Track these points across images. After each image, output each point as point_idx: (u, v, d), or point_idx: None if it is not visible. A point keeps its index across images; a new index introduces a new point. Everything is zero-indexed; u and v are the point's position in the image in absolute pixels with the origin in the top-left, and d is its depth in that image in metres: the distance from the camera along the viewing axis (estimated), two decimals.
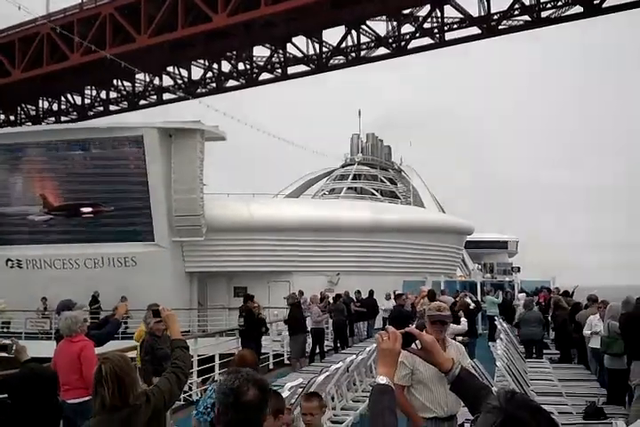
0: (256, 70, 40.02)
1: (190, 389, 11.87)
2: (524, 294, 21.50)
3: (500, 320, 16.09)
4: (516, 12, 31.98)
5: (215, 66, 40.83)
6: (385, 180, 41.17)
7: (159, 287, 22.76)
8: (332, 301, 18.42)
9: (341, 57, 37.64)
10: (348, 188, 38.70)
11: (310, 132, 54.65)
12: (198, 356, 12.81)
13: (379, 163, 42.43)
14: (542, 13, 31.66)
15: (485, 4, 31.95)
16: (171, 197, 25.47)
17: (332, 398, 9.39)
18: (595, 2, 30.16)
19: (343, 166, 41.58)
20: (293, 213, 28.32)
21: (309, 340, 15.74)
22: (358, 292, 19.88)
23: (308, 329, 15.36)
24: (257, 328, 13.13)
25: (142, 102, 44.42)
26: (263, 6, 30.96)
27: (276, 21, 33.33)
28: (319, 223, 28.01)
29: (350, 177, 39.59)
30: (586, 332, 10.33)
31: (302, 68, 38.42)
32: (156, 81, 42.80)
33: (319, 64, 37.73)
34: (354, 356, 10.34)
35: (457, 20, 33.50)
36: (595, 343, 10.15)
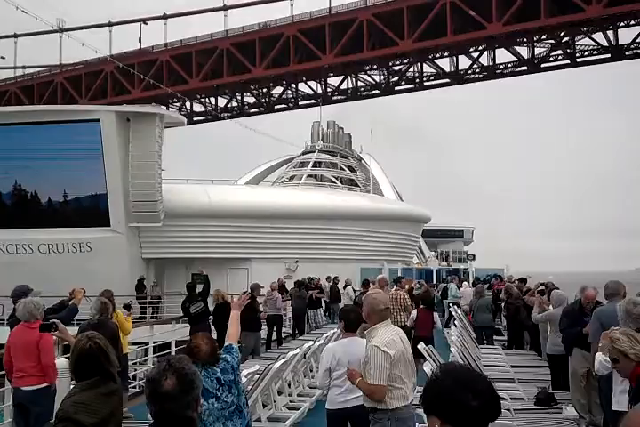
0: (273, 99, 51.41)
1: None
2: (466, 283, 21.94)
3: (455, 307, 16.37)
4: (477, 70, 44.21)
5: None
6: (345, 168, 41.26)
7: (115, 273, 22.49)
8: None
9: (342, 96, 49.14)
10: (308, 175, 38.68)
11: (271, 118, 55.17)
12: (154, 343, 12.74)
13: (339, 151, 42.46)
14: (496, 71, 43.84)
15: (455, 62, 44.23)
16: (128, 183, 25.08)
17: (289, 385, 9.46)
18: (535, 62, 41.63)
19: (303, 154, 41.52)
20: (252, 200, 28.24)
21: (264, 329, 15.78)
22: (311, 279, 20.04)
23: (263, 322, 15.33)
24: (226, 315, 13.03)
25: None
26: (292, 64, 43.22)
27: (297, 73, 45.31)
28: (278, 210, 27.99)
29: (310, 164, 39.57)
30: (535, 315, 10.49)
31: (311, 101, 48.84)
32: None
33: (324, 99, 47.35)
34: (311, 342, 10.41)
35: (433, 73, 45.23)
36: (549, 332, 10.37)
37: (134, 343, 12.58)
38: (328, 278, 21.47)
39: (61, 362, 7.52)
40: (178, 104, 52.09)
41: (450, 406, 1.90)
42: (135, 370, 12.39)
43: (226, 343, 4.68)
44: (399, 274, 21.59)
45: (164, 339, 13.44)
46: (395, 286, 14.55)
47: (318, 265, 26.11)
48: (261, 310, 13.38)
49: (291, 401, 9.14)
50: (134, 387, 10.57)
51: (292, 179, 39.01)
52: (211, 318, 12.21)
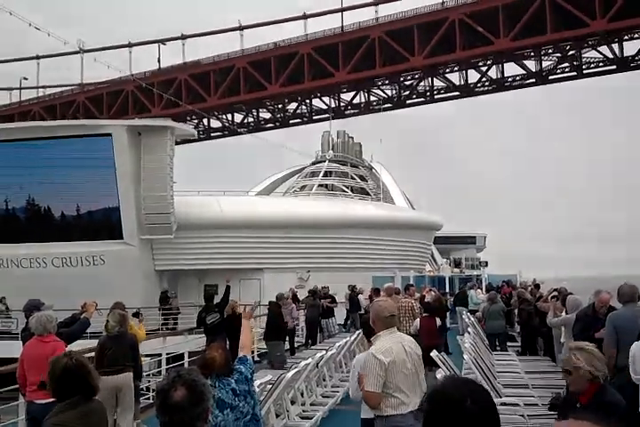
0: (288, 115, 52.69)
1: None
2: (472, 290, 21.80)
3: (468, 314, 16.29)
4: (486, 83, 45.17)
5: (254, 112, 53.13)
6: (355, 177, 41.23)
7: (128, 286, 22.57)
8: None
9: (355, 110, 50.31)
10: (319, 185, 38.69)
11: (286, 132, 56.37)
12: (167, 354, 12.77)
13: (349, 160, 42.45)
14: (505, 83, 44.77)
15: (464, 75, 45.43)
16: (140, 195, 25.28)
17: (302, 394, 9.45)
18: (542, 74, 42.66)
19: (314, 163, 41.56)
20: (264, 211, 28.30)
21: None
22: (326, 288, 19.99)
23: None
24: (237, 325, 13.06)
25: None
26: (306, 82, 44.49)
27: (311, 90, 47.07)
28: (289, 220, 28.03)
29: (321, 174, 39.57)
30: (550, 319, 10.42)
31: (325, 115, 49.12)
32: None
33: (337, 113, 48.67)
34: (324, 352, 10.40)
35: (444, 86, 46.38)
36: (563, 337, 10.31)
37: (147, 355, 12.62)
38: (349, 287, 21.36)
39: None
40: (195, 121, 53.33)
41: (448, 410, 1.83)
42: (149, 382, 12.41)
43: (240, 355, 4.70)
44: (411, 282, 21.48)
45: (177, 350, 13.46)
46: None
47: (330, 274, 26.07)
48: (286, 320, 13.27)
49: (304, 411, 9.12)
50: (147, 398, 10.58)
51: (303, 189, 39.06)
52: None
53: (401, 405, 4.56)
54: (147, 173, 25.24)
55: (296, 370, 8.55)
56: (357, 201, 35.76)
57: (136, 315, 11.00)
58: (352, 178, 40.74)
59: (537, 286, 16.44)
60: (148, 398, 10.76)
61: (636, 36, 38.48)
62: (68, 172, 25.02)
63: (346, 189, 38.67)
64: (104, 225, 25.76)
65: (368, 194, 39.47)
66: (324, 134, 43.60)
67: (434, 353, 8.51)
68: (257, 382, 6.90)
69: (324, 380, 10.82)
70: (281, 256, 27.62)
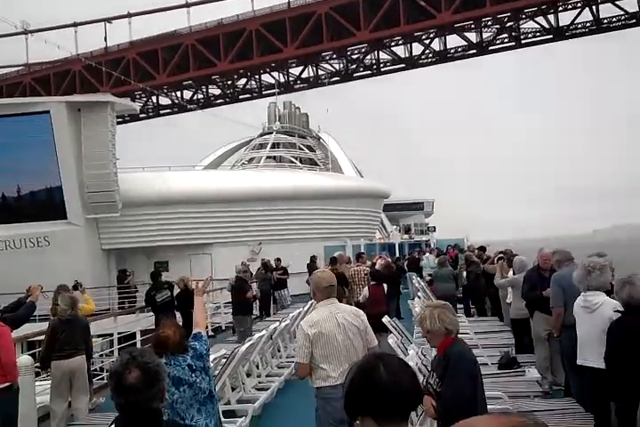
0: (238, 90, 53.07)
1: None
2: (428, 254, 22.14)
3: (418, 279, 16.56)
4: (430, 55, 46.29)
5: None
6: (303, 147, 41.07)
7: (75, 267, 22.07)
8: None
9: (304, 84, 50.50)
10: (267, 157, 38.41)
11: (232, 104, 55.99)
12: (119, 334, 12.62)
13: (297, 131, 42.23)
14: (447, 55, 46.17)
15: (409, 48, 46.57)
16: (82, 174, 24.64)
17: (257, 366, 9.49)
18: (483, 45, 43.72)
19: (261, 135, 41.17)
20: (211, 185, 27.97)
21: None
22: (278, 259, 19.95)
23: None
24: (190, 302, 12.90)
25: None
26: (255, 58, 45.04)
27: (260, 65, 47.54)
28: (237, 193, 27.80)
29: (269, 146, 39.28)
30: (498, 280, 10.64)
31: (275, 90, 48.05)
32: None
33: (286, 87, 49.35)
34: (277, 323, 10.43)
35: (389, 59, 47.23)
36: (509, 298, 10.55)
37: (99, 335, 12.45)
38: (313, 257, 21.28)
39: (23, 360, 7.41)
40: (144, 99, 53.31)
41: (361, 379, 1.89)
42: (102, 362, 12.27)
43: (194, 331, 4.66)
44: (362, 250, 21.68)
45: (129, 329, 13.31)
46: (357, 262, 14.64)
47: (282, 246, 26.09)
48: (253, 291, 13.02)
49: (260, 382, 9.17)
50: (102, 379, 10.47)
51: (251, 161, 38.72)
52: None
53: (329, 377, 4.57)
54: (88, 151, 24.59)
55: (250, 343, 8.56)
56: (306, 172, 35.70)
57: (75, 287, 10.82)
58: (300, 149, 40.58)
59: (483, 249, 16.77)
60: (102, 379, 10.65)
61: (570, 7, 40.38)
62: (6, 152, 24.13)
63: (294, 160, 38.53)
64: (47, 205, 25.05)
65: (317, 164, 39.43)
66: (270, 106, 43.18)
67: (385, 319, 8.64)
68: (211, 357, 6.92)
69: (279, 351, 10.89)
70: (231, 230, 27.45)
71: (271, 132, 40.32)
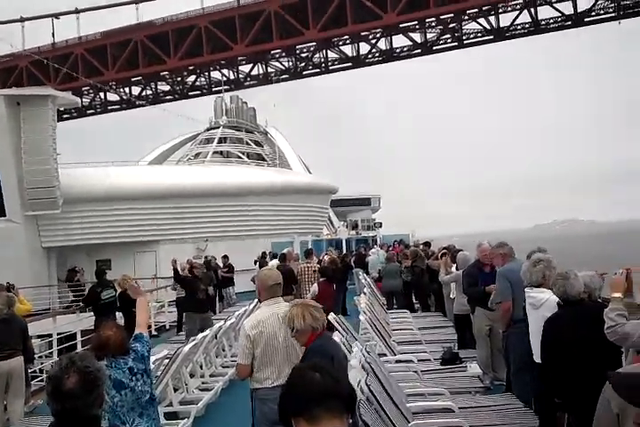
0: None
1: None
2: (376, 249, 22.29)
3: (364, 275, 16.64)
4: (377, 54, 47.43)
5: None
6: (251, 142, 40.79)
7: (14, 265, 21.43)
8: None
9: (254, 81, 50.30)
10: (214, 152, 37.98)
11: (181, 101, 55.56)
12: (58, 334, 12.27)
13: (244, 125, 41.89)
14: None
15: (357, 47, 47.34)
16: (22, 169, 23.92)
17: (201, 366, 9.37)
18: (427, 45, 45.17)
19: (208, 130, 40.68)
20: (155, 180, 27.49)
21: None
22: (225, 257, 19.72)
23: None
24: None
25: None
26: (205, 55, 45.06)
27: (209, 62, 47.42)
28: (183, 189, 27.43)
29: (215, 141, 38.82)
30: (442, 276, 10.77)
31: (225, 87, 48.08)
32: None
33: (236, 84, 49.56)
34: (222, 322, 10.32)
35: (337, 58, 48.30)
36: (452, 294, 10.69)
37: (38, 336, 12.09)
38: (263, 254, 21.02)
39: None
40: (92, 95, 52.59)
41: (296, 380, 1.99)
42: (42, 364, 11.92)
43: (136, 332, 4.56)
44: (309, 246, 21.66)
45: (70, 330, 12.96)
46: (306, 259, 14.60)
47: (230, 243, 25.90)
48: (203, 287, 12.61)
49: (203, 382, 9.06)
50: (41, 381, 10.15)
51: (198, 156, 38.25)
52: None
53: (267, 378, 4.54)
54: (28, 146, 23.94)
55: (194, 343, 8.44)
56: (254, 167, 35.47)
57: (8, 289, 10.49)
58: (247, 144, 40.30)
59: (427, 244, 16.98)
60: (42, 381, 10.33)
61: (510, 9, 42.20)
62: None
63: (242, 156, 38.23)
64: None
65: (264, 160, 39.22)
66: (216, 100, 42.69)
67: (330, 316, 8.63)
68: (152, 359, 6.77)
69: (224, 350, 10.77)
70: (176, 227, 27.05)
71: (218, 127, 39.87)
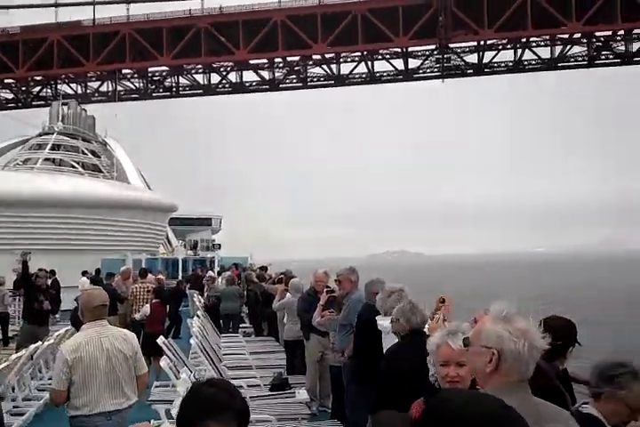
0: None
1: None
2: (211, 273, 22.12)
3: (199, 297, 16.35)
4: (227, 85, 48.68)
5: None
6: (87, 152, 38.88)
7: None
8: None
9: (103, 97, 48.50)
10: (46, 159, 35.73)
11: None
12: None
13: (81, 133, 39.86)
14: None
15: (208, 77, 48.04)
16: None
17: (13, 389, 8.64)
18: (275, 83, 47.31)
19: (40, 135, 38.24)
20: None
21: None
22: (52, 272, 18.40)
23: None
24: None
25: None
26: (55, 68, 43.83)
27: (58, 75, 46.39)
28: (7, 196, 25.45)
29: (48, 147, 36.58)
30: (275, 303, 10.86)
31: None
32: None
33: (84, 98, 46.71)
34: (39, 342, 9.60)
35: (189, 84, 48.92)
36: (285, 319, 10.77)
37: None
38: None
39: None
40: None
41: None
42: None
43: None
44: (143, 265, 20.95)
45: None
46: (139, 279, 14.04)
47: (55, 257, 24.24)
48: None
49: (15, 407, 8.36)
50: None
51: (27, 162, 35.76)
52: None
53: (85, 406, 4.29)
54: None
55: (5, 364, 7.78)
56: (87, 178, 33.79)
57: None
58: (83, 153, 38.34)
59: (264, 269, 17.07)
60: None
61: (350, 60, 46.06)
62: None
63: (76, 165, 36.28)
64: None
65: (101, 171, 37.55)
66: (53, 104, 40.36)
67: (160, 340, 8.33)
68: None
69: (40, 372, 10.03)
70: None
71: (52, 133, 37.59)
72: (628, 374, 2.78)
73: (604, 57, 44.27)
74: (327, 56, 45.04)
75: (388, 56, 45.24)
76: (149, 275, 14.68)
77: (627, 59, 43.26)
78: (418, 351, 3.64)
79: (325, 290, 7.53)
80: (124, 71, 47.49)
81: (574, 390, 3.89)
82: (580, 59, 44.21)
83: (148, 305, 11.31)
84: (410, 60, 44.87)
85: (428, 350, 3.12)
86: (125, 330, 4.91)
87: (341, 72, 46.63)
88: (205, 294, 16.87)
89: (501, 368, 2.04)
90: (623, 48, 42.99)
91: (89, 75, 47.42)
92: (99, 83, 49.49)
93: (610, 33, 42.02)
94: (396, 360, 4.28)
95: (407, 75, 46.18)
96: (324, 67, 46.29)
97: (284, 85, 49.12)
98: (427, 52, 44.68)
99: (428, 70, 46.16)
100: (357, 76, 47.23)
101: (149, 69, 47.46)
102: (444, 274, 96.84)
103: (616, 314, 35.99)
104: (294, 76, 48.08)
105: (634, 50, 42.74)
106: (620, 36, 42.43)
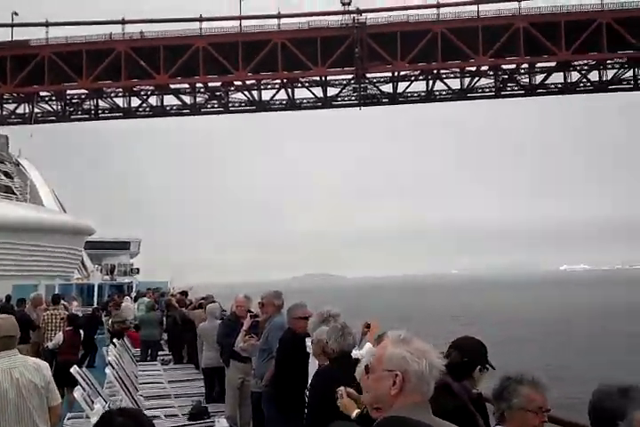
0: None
1: None
2: (128, 298, 21.52)
3: (114, 325, 15.82)
4: (147, 108, 49.34)
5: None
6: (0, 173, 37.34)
7: None
8: None
9: (19, 119, 47.36)
10: None
11: None
12: None
13: None
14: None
15: (128, 100, 48.46)
16: None
17: None
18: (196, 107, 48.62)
19: None
20: None
21: None
22: None
23: None
24: None
25: None
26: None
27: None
28: None
29: None
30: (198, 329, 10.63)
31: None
32: None
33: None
34: None
35: (109, 107, 49.20)
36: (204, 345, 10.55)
37: None
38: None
39: None
40: None
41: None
42: None
43: None
44: (56, 291, 20.11)
45: None
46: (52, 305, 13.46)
47: None
48: None
49: None
50: None
51: None
52: None
53: None
54: None
55: None
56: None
57: None
58: None
59: (184, 294, 16.73)
60: None
61: (270, 87, 47.21)
62: None
63: None
64: None
65: (14, 193, 36.04)
66: None
67: (73, 369, 7.99)
68: None
69: None
70: None
71: None
72: (513, 383, 2.85)
73: (509, 88, 47.65)
74: (248, 82, 46.15)
75: (307, 84, 46.81)
76: (62, 301, 14.13)
77: (530, 91, 47.06)
78: (348, 374, 3.56)
79: (249, 315, 7.43)
80: (41, 93, 46.92)
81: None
82: (487, 90, 47.46)
83: (60, 333, 10.86)
84: (329, 88, 46.78)
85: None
86: (37, 359, 4.68)
87: (262, 98, 47.84)
88: (110, 320, 16.31)
89: (405, 389, 2.07)
90: (527, 80, 46.62)
91: (4, 97, 46.59)
92: (15, 105, 48.66)
93: (514, 66, 45.29)
94: (326, 381, 4.16)
95: (326, 102, 47.77)
96: (246, 93, 47.20)
97: (205, 110, 49.88)
98: (344, 81, 46.59)
99: (347, 98, 48.10)
100: (278, 102, 48.48)
101: (68, 92, 47.22)
102: (366, 296, 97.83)
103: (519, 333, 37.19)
104: (215, 102, 48.98)
105: (537, 82, 46.48)
106: (523, 69, 45.90)
